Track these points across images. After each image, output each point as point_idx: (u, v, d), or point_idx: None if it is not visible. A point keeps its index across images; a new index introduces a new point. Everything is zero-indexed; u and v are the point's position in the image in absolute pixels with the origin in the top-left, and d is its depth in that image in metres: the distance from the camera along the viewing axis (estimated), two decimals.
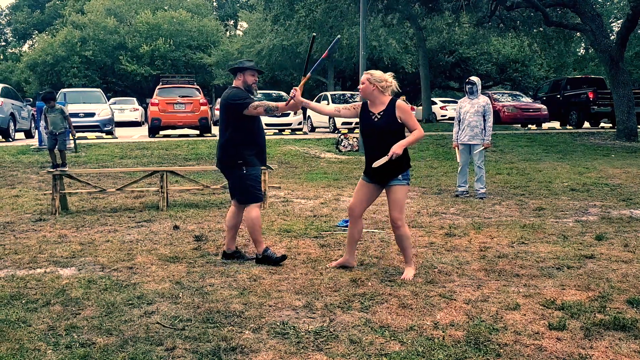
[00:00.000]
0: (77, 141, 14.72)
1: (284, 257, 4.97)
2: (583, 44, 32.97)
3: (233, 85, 5.08)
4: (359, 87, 4.69)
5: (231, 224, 5.13)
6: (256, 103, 4.87)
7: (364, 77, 4.58)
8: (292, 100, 4.81)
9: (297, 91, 4.80)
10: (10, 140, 16.77)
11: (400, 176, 4.57)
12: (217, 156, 5.13)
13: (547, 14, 18.06)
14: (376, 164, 4.44)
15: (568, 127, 21.72)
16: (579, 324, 3.57)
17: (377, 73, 4.60)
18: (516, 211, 7.33)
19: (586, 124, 22.18)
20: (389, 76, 4.60)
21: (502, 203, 7.91)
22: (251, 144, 4.96)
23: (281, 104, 4.97)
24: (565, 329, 3.49)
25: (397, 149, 4.39)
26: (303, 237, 5.95)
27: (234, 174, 4.98)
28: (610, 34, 22.24)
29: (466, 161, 8.53)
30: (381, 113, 4.54)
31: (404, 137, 4.52)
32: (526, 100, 23.39)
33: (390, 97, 4.59)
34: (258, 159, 5.02)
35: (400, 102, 4.55)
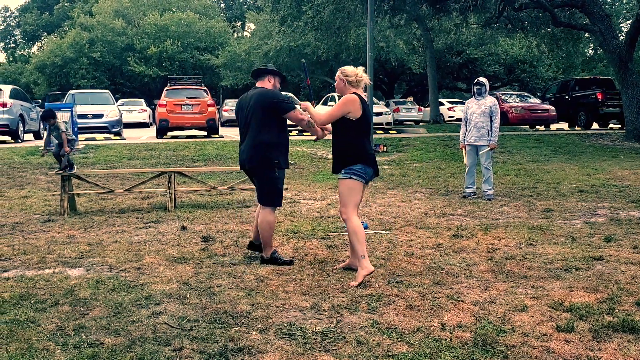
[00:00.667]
0: (85, 141, 14.80)
1: (291, 262, 4.98)
2: (592, 45, 32.81)
3: (261, 86, 5.02)
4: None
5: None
6: (303, 112, 4.90)
7: (338, 73, 4.67)
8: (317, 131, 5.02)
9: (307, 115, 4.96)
10: (19, 141, 16.87)
11: (342, 170, 4.58)
12: (246, 156, 4.94)
13: (555, 14, 17.99)
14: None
15: (576, 128, 21.62)
16: (587, 325, 3.55)
17: (349, 69, 4.66)
18: (524, 212, 7.31)
19: (595, 125, 22.06)
20: (360, 70, 4.66)
21: (510, 204, 7.88)
22: (282, 145, 4.95)
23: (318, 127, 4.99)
24: (573, 330, 3.47)
25: (306, 104, 4.72)
26: (310, 238, 5.96)
27: (266, 174, 4.90)
28: (619, 35, 22.12)
29: (473, 162, 8.50)
30: None
31: (348, 132, 4.54)
32: (534, 101, 23.30)
33: (350, 94, 4.60)
34: (286, 160, 5.05)
35: (348, 96, 4.55)
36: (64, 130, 7.79)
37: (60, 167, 7.76)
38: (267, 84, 5.02)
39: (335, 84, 4.74)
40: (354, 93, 4.60)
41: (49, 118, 7.86)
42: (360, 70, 4.65)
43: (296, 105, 5.02)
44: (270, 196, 4.95)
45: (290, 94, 24.11)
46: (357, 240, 4.48)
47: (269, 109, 4.85)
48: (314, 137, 5.18)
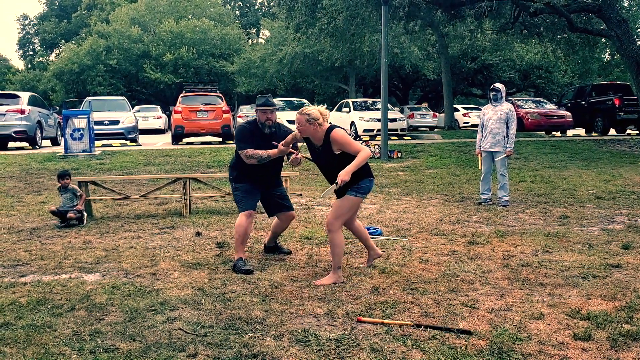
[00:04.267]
0: (102, 147, 14.92)
1: (249, 271, 4.89)
2: (608, 50, 32.57)
3: (251, 119, 5.41)
4: (296, 127, 4.66)
5: (273, 230, 5.60)
6: (250, 153, 5.13)
7: (300, 118, 4.56)
8: (282, 152, 5.08)
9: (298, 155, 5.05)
10: (37, 147, 17.06)
11: (350, 189, 4.60)
12: None
13: (571, 19, 17.86)
14: (323, 195, 4.60)
15: (593, 134, 21.41)
16: (605, 334, 3.51)
17: (313, 110, 4.56)
18: (540, 219, 7.24)
19: (612, 131, 21.83)
20: (322, 109, 4.60)
21: (526, 211, 7.82)
22: (244, 166, 5.24)
23: (273, 151, 5.09)
24: (591, 339, 3.43)
25: (344, 176, 4.38)
26: (324, 245, 5.95)
27: (231, 186, 5.47)
28: (637, 40, 21.87)
29: (489, 168, 8.45)
30: (320, 147, 4.62)
31: (349, 159, 4.47)
32: (550, 107, 23.12)
33: (326, 129, 4.56)
34: (249, 179, 5.28)
35: (335, 134, 4.50)
36: (81, 192, 7.33)
37: (62, 224, 7.08)
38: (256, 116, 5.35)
39: (300, 129, 4.61)
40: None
41: (63, 177, 7.27)
42: (322, 107, 4.62)
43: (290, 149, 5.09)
44: (236, 203, 5.44)
45: (305, 101, 24.14)
46: (337, 253, 4.61)
47: (234, 139, 5.40)
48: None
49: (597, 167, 12.49)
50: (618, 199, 8.59)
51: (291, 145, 5.05)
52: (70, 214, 7.05)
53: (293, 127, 4.98)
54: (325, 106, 4.73)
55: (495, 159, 8.34)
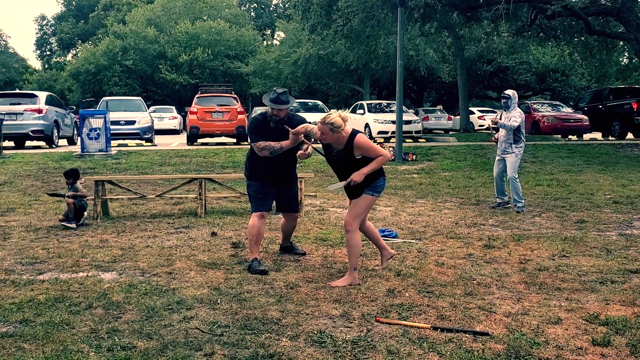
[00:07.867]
0: (118, 147, 15.02)
1: (264, 272, 4.90)
2: (626, 53, 32.25)
3: (264, 111, 5.36)
4: (319, 136, 4.64)
5: (282, 230, 5.66)
6: (262, 145, 5.12)
7: (323, 127, 4.53)
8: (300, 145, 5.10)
9: (309, 145, 5.03)
10: (54, 146, 17.22)
11: (367, 188, 4.68)
12: None
13: (589, 22, 17.72)
14: (330, 188, 4.68)
15: (610, 138, 21.19)
16: (624, 340, 3.47)
17: (336, 118, 4.53)
18: (557, 223, 7.18)
19: (630, 135, 21.60)
20: (344, 114, 4.62)
21: (542, 215, 7.76)
22: (257, 160, 5.23)
23: (285, 142, 5.09)
24: (610, 345, 3.39)
25: (357, 177, 4.52)
26: (339, 246, 5.95)
27: (245, 181, 5.43)
28: None
29: (499, 172, 8.35)
30: (340, 151, 4.67)
31: (368, 162, 4.58)
32: (567, 110, 22.93)
33: (349, 135, 4.58)
34: (262, 174, 5.24)
35: (358, 140, 4.56)
36: (81, 190, 7.26)
37: (78, 224, 7.08)
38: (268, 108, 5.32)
39: (323, 137, 4.60)
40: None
41: (69, 175, 7.27)
42: (343, 112, 4.64)
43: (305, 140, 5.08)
44: (249, 201, 5.40)
45: (319, 102, 24.16)
46: (353, 254, 4.65)
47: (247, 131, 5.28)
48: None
49: (615, 172, 12.36)
50: (636, 204, 8.50)
51: (303, 136, 5.05)
52: (64, 223, 6.96)
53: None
54: (349, 110, 4.75)
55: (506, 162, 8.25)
